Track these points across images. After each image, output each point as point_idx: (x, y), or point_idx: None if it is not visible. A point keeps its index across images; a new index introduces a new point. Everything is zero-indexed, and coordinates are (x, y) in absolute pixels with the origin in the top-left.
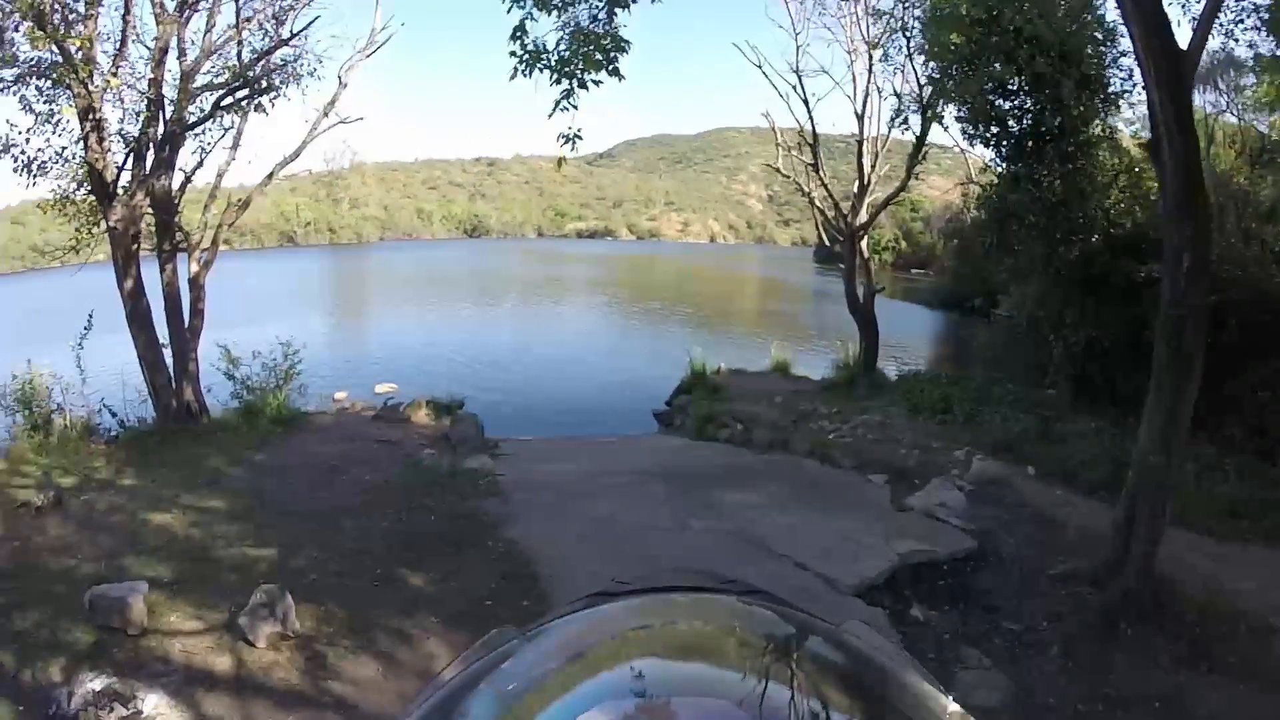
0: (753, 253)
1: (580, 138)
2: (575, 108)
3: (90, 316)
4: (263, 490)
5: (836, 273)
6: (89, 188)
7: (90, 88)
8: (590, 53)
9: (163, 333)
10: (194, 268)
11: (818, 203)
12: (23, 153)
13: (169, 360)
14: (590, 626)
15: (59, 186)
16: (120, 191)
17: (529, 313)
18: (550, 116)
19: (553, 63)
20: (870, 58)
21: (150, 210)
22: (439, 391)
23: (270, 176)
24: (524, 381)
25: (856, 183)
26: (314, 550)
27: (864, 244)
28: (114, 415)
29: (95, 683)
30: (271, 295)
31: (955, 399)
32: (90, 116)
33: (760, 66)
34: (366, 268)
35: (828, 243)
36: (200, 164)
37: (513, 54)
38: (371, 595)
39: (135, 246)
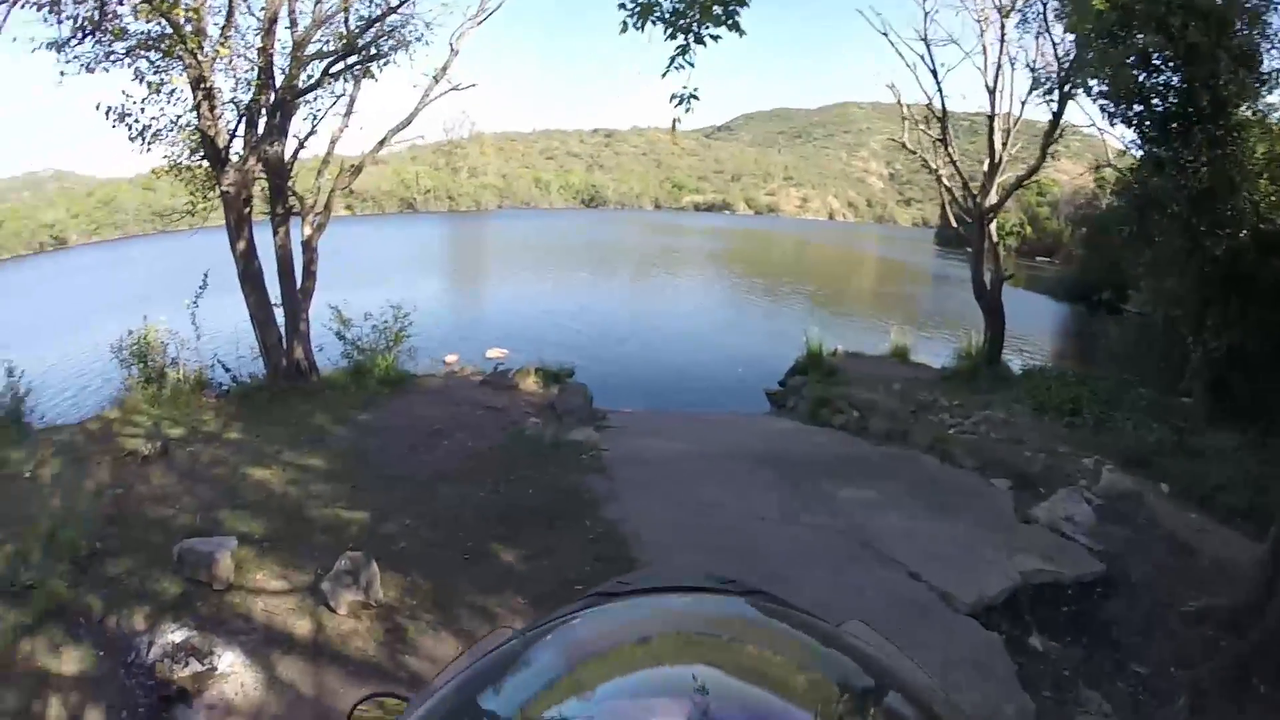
0: (872, 232)
1: (696, 98)
2: (691, 65)
3: (205, 276)
4: (364, 451)
5: (959, 256)
6: (202, 154)
7: (200, 58)
8: (708, 4)
9: (276, 294)
10: (307, 231)
11: (945, 181)
12: (136, 121)
13: (280, 321)
14: (590, 627)
15: (172, 153)
16: (232, 157)
17: (644, 284)
18: (664, 75)
19: (666, 15)
20: (1002, 26)
21: (263, 175)
22: (549, 359)
23: (382, 143)
24: (636, 353)
25: (986, 162)
26: (407, 516)
27: (992, 227)
28: (227, 370)
29: (176, 634)
30: (390, 259)
31: (1084, 401)
32: (201, 85)
33: (886, 34)
34: (484, 234)
35: (954, 224)
36: (313, 130)
37: (622, 5)
38: (460, 568)
39: (247, 210)
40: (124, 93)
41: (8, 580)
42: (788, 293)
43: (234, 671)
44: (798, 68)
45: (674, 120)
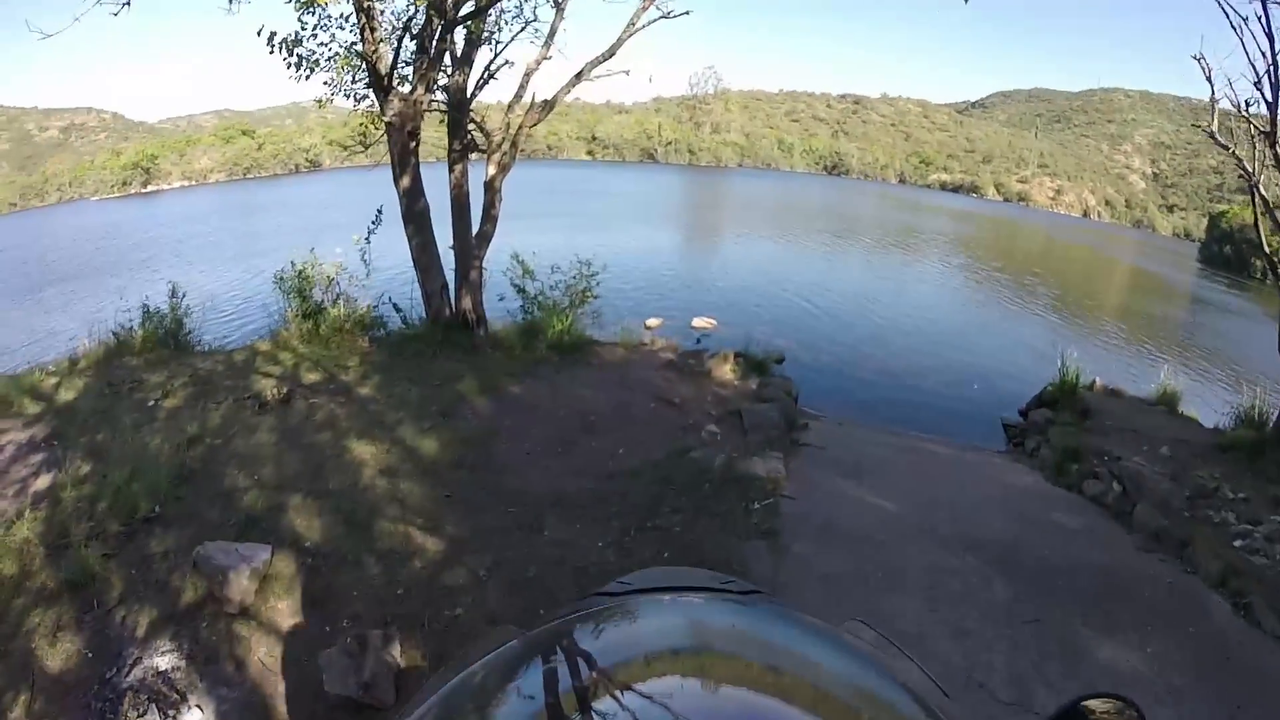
0: (1128, 237)
1: None
2: None
3: (379, 212)
4: (488, 440)
5: (1224, 280)
6: (367, 81)
7: None
8: None
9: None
10: (490, 170)
11: (1262, 192)
12: (297, 43)
13: (451, 267)
14: (590, 627)
15: (331, 80)
16: (398, 85)
17: (878, 263)
18: None
19: None
20: None
21: (439, 107)
22: (760, 335)
23: (580, 76)
24: (856, 342)
25: None
26: (486, 560)
27: None
28: (399, 311)
29: (163, 658)
30: (622, 207)
31: None
32: (363, 8)
33: None
34: (720, 191)
35: (1266, 247)
36: (495, 59)
37: None
38: None
39: (414, 144)
40: (299, 19)
41: (61, 530)
42: (1034, 295)
43: None
44: (1058, 45)
45: None
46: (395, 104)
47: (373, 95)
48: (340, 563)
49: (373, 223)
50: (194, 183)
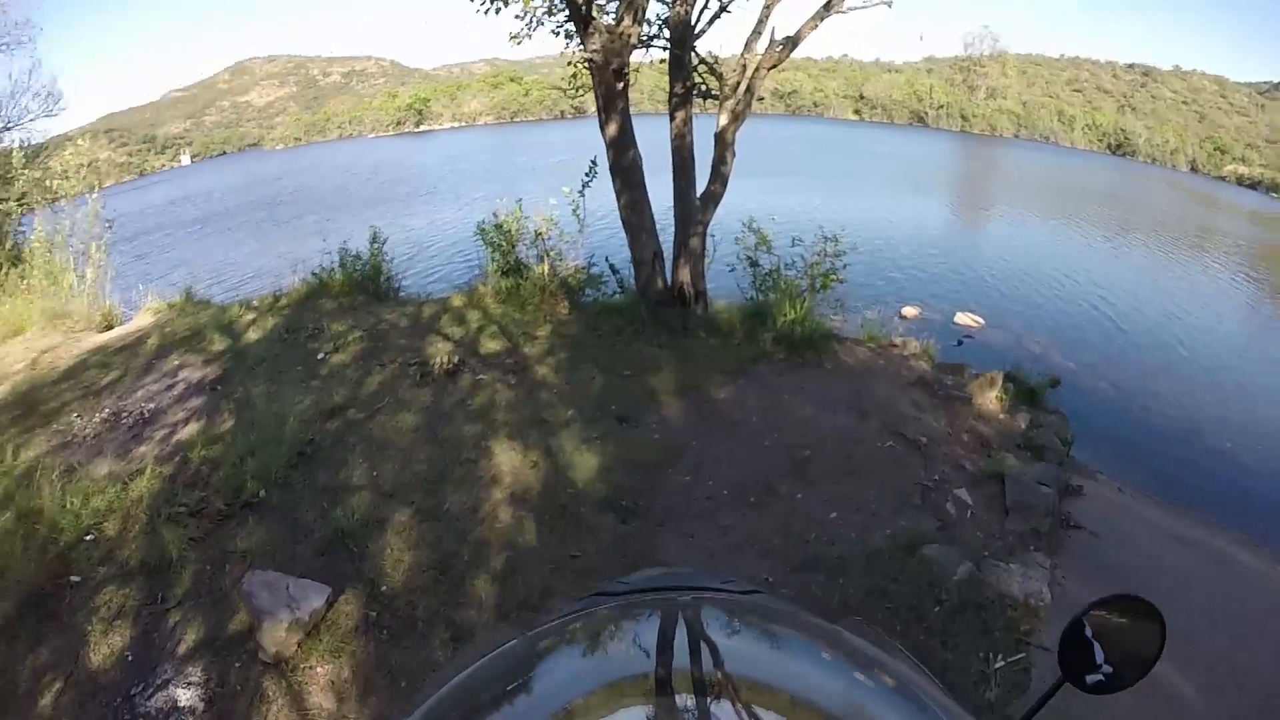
0: None
1: None
2: None
3: (594, 163)
4: (664, 469)
5: None
6: (566, 13)
7: None
8: None
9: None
10: (722, 120)
11: None
12: None
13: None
14: (590, 626)
15: (522, 12)
16: (600, 16)
17: (1175, 269)
18: None
19: None
20: None
21: (656, 40)
22: (1032, 343)
23: (829, 6)
24: (1148, 372)
25: None
26: None
27: None
28: (616, 273)
29: (182, 693)
30: (889, 171)
31: None
32: None
33: None
34: (996, 162)
35: None
36: None
37: None
38: None
39: (621, 85)
40: None
41: (170, 496)
42: None
43: None
44: None
45: None
46: (597, 38)
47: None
48: (408, 629)
49: (587, 174)
50: (463, 124)
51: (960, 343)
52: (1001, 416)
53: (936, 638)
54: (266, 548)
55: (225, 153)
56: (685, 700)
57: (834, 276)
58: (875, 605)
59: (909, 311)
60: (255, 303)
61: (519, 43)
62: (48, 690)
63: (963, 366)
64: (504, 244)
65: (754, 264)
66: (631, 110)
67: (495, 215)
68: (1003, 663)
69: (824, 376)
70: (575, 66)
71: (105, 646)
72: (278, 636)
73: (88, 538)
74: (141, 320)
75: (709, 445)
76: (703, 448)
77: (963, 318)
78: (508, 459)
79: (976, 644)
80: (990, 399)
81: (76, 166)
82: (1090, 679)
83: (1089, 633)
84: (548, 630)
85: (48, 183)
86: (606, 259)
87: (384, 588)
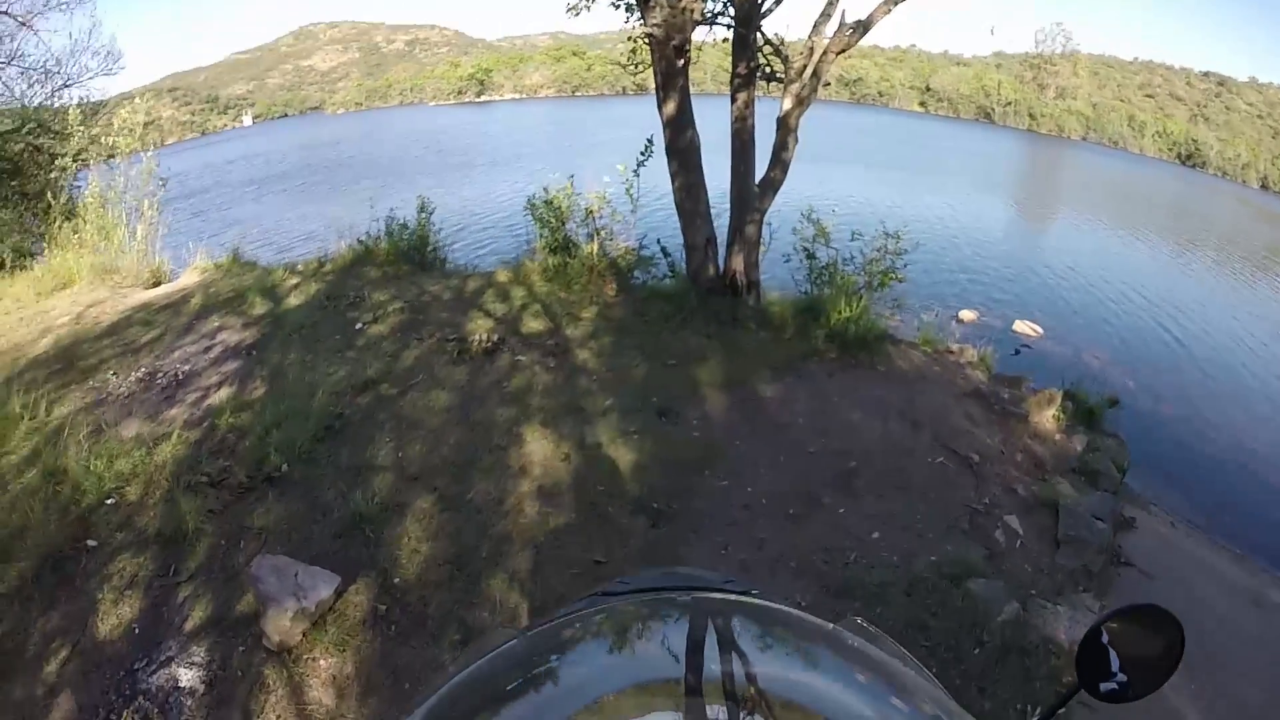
0: None
1: None
2: None
3: (650, 142)
4: (703, 469)
5: None
6: None
7: None
8: None
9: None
10: (786, 104)
11: None
12: None
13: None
14: (589, 625)
15: None
16: None
17: (1248, 293)
18: None
19: None
20: None
21: (717, 21)
22: (1092, 358)
23: None
24: (1211, 398)
25: None
26: None
27: None
28: (667, 256)
29: (186, 672)
30: (955, 164)
31: None
32: None
33: None
34: (1064, 164)
35: None
36: None
37: None
38: None
39: (682, 62)
40: None
41: (194, 464)
42: None
43: None
44: None
45: None
46: (659, 12)
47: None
48: (418, 626)
49: (642, 153)
50: (524, 96)
51: (1018, 352)
52: (1057, 437)
53: (974, 683)
54: (283, 526)
55: (287, 115)
56: (683, 699)
57: (893, 275)
58: (912, 641)
59: (966, 315)
60: (300, 267)
61: (576, 14)
62: (55, 657)
63: (1020, 379)
64: (553, 220)
65: (811, 256)
66: (692, 90)
67: (545, 190)
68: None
69: (876, 380)
70: (635, 41)
71: (114, 616)
72: (282, 625)
73: (108, 501)
74: (188, 279)
75: (751, 447)
76: (744, 449)
77: (1021, 326)
78: (539, 448)
79: (1017, 693)
80: (1047, 417)
81: (132, 125)
82: (1104, 687)
83: (1105, 639)
84: (548, 629)
85: (103, 139)
86: (658, 240)
87: (397, 579)
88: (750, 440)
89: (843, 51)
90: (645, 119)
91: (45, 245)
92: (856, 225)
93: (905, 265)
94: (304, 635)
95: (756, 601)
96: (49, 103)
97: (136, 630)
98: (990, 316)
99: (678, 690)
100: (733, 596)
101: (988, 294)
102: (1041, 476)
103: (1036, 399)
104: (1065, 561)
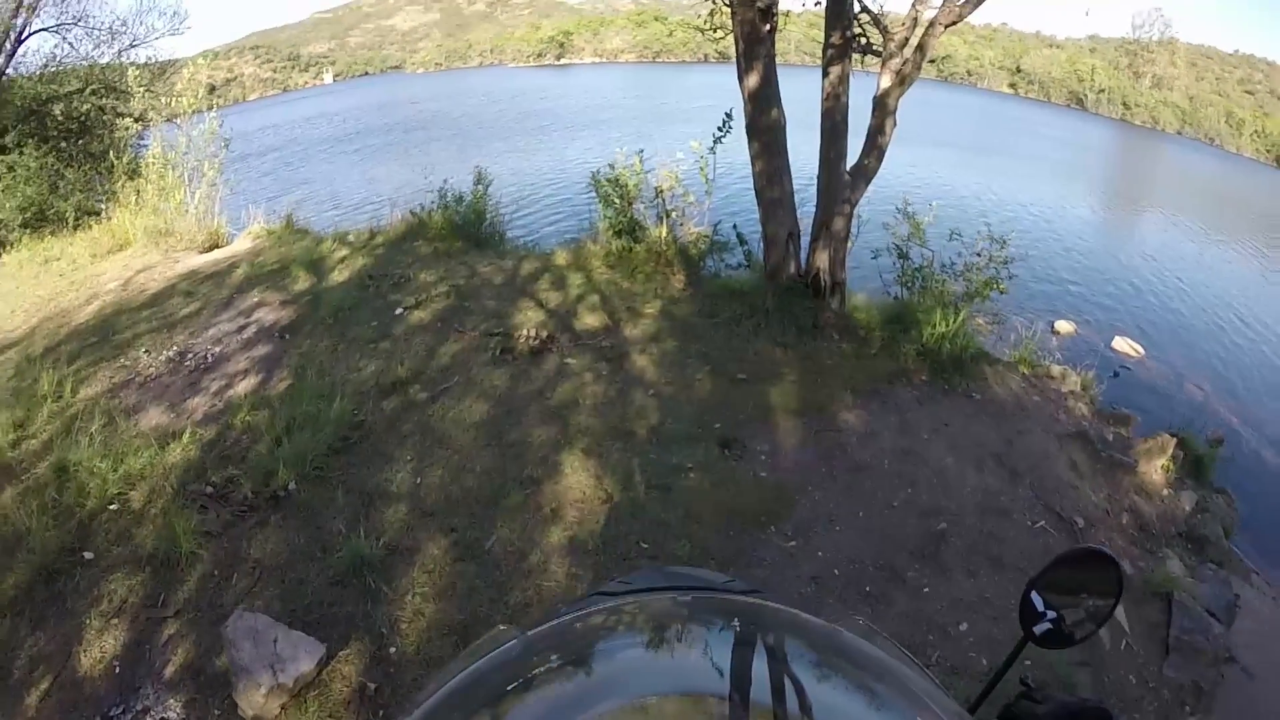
0: None
1: None
2: None
3: (728, 117)
4: (766, 527)
5: None
6: None
7: None
8: None
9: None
10: (884, 81)
11: None
12: None
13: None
14: (589, 625)
15: None
16: None
17: None
18: None
19: None
20: None
21: None
22: (1196, 386)
23: None
24: None
25: None
26: None
27: None
28: (744, 244)
29: None
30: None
31: None
32: None
33: None
34: (1161, 160)
35: None
36: None
37: None
38: None
39: (768, 28)
40: None
41: (200, 470)
42: None
43: None
44: None
45: None
46: None
47: None
48: (408, 715)
49: (719, 129)
50: (604, 60)
51: (1117, 374)
52: (1165, 492)
53: None
54: (280, 560)
55: (367, 74)
56: (683, 699)
57: (997, 285)
58: None
59: (1063, 327)
60: (351, 237)
61: None
62: (36, 687)
63: (1128, 417)
64: (619, 199)
65: (903, 255)
66: (776, 62)
67: (611, 166)
68: None
69: (971, 412)
70: (715, 2)
71: (98, 648)
72: (255, 700)
73: (111, 507)
74: (241, 245)
75: (826, 496)
76: (818, 499)
77: (1121, 344)
78: (578, 483)
79: None
80: (1156, 468)
81: (195, 85)
82: (1038, 629)
83: (1040, 587)
84: (547, 630)
85: (164, 99)
86: (734, 227)
87: (392, 649)
88: (825, 486)
89: (953, 24)
90: (727, 89)
91: (107, 204)
92: (953, 220)
93: (1012, 278)
94: (282, 708)
95: (757, 600)
96: (115, 62)
97: (117, 669)
98: (1088, 329)
99: (676, 689)
100: (736, 595)
101: (1085, 302)
102: (1150, 550)
103: (1146, 446)
104: (1173, 674)
